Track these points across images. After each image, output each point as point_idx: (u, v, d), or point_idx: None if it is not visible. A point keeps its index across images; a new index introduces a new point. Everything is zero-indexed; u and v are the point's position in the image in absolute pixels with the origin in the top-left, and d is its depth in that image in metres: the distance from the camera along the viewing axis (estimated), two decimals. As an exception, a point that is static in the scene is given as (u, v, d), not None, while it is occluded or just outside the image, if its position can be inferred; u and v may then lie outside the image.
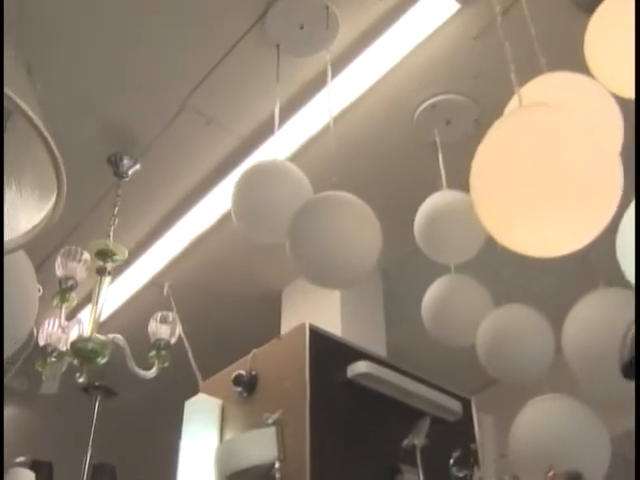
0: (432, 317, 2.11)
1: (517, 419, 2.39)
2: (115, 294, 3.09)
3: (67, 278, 2.06)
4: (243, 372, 2.52)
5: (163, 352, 2.07)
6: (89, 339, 2.06)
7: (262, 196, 2.12)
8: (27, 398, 4.18)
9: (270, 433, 2.11)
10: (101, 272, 2.21)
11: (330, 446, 2.21)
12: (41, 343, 2.13)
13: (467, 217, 1.89)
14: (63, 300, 2.09)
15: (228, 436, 2.51)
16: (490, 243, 1.62)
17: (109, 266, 2.19)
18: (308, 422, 2.19)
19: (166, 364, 2.06)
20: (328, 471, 2.15)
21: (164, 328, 2.12)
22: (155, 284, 3.08)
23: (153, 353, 2.07)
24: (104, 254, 2.20)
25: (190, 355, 2.93)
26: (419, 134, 2.69)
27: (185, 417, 2.59)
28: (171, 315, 2.18)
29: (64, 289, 2.06)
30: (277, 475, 2.16)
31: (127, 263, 3.08)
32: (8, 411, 4.54)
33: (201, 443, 2.49)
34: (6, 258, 1.51)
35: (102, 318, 3.17)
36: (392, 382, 2.46)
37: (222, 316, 3.25)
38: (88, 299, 2.18)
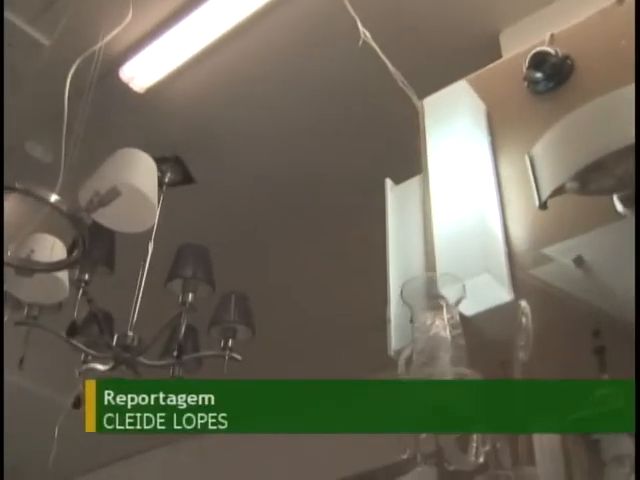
0: None
1: None
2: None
3: None
4: (550, 50, 1.61)
5: None
6: None
7: None
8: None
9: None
10: None
11: None
12: None
13: None
14: None
15: (505, 153, 1.62)
16: None
17: None
18: None
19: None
20: None
21: None
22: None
23: None
24: None
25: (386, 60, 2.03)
26: None
27: (428, 124, 1.69)
28: None
29: None
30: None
31: None
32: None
33: (462, 157, 1.59)
34: None
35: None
36: None
37: (420, 62, 2.28)
38: None
